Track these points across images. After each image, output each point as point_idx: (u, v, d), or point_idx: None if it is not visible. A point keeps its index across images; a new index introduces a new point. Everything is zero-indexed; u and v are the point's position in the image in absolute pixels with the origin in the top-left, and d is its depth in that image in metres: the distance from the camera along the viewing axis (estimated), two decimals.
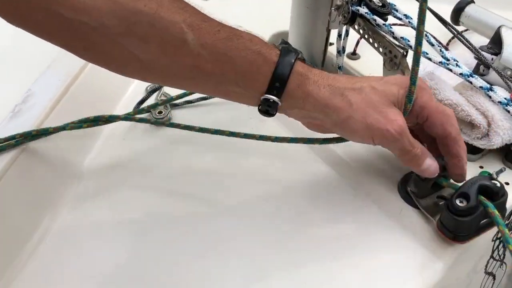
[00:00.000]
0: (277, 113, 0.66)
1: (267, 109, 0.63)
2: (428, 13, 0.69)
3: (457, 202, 0.63)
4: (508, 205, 0.74)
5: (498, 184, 0.64)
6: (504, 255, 0.82)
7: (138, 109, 0.90)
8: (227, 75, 0.62)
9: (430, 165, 0.66)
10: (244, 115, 0.88)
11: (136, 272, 0.68)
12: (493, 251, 0.78)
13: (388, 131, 0.61)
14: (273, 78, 0.62)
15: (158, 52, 0.60)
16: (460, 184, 0.66)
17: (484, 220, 0.65)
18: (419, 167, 0.66)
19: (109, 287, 0.66)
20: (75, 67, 0.91)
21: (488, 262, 0.79)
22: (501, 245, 0.79)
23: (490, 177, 0.65)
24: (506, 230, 0.61)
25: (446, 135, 0.66)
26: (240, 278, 0.67)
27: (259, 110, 0.64)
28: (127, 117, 0.87)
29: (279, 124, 0.88)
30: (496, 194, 0.63)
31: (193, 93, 0.92)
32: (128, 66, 0.62)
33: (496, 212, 0.62)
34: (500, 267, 0.84)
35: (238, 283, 0.66)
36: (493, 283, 0.87)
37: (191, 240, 0.71)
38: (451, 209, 0.63)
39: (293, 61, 0.62)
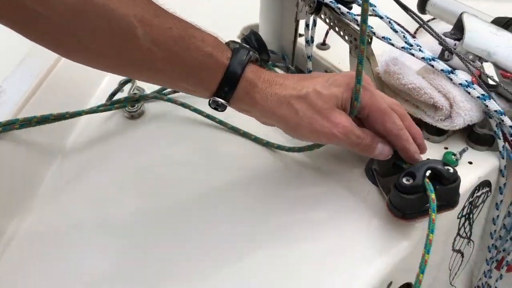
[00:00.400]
0: None
1: (216, 108, 0.66)
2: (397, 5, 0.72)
3: (404, 180, 0.65)
4: (470, 185, 0.77)
5: (451, 170, 0.65)
6: (471, 232, 0.85)
7: (110, 102, 0.91)
8: (177, 73, 0.63)
9: (382, 149, 0.69)
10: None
11: (111, 263, 0.68)
12: (459, 229, 0.81)
13: (333, 134, 0.65)
14: (222, 83, 0.63)
15: (107, 44, 0.59)
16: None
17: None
18: (373, 154, 0.69)
19: (86, 280, 0.67)
20: (47, 62, 0.91)
21: (455, 239, 0.82)
22: (467, 222, 0.82)
23: (444, 162, 0.67)
24: (433, 216, 0.62)
25: (387, 132, 0.68)
26: (213, 262, 0.68)
27: (209, 105, 0.67)
28: (93, 111, 0.87)
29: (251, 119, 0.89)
30: (445, 179, 0.65)
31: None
32: (75, 53, 0.61)
33: (433, 196, 0.63)
34: (467, 244, 0.87)
35: (212, 267, 0.67)
36: (462, 260, 0.90)
37: (166, 230, 0.72)
38: (397, 186, 0.65)
39: (244, 64, 0.63)
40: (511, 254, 0.88)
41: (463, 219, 0.80)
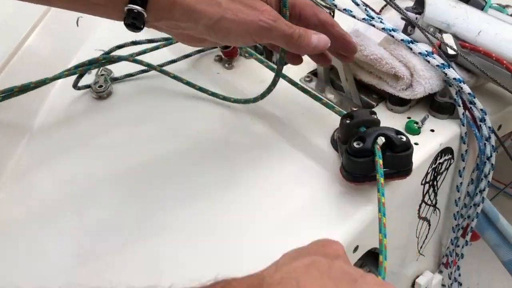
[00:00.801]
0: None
1: (133, 22, 0.58)
2: None
3: (354, 144, 0.67)
4: (432, 151, 0.79)
5: (403, 139, 0.67)
6: (436, 200, 0.88)
7: (74, 66, 0.90)
8: None
9: (318, 38, 0.66)
10: (185, 87, 0.91)
11: (79, 243, 0.69)
12: (423, 195, 0.83)
13: (262, 21, 0.61)
14: None
15: None
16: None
17: (387, 169, 0.67)
18: (310, 46, 0.66)
19: (54, 260, 0.67)
20: (18, 37, 0.91)
21: (420, 206, 0.85)
22: (431, 189, 0.84)
23: (398, 131, 0.68)
24: (382, 180, 0.64)
25: (322, 22, 0.69)
26: (179, 229, 0.69)
27: (125, 25, 0.59)
28: (57, 77, 0.86)
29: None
30: (397, 147, 0.66)
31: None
32: None
33: (380, 161, 0.65)
34: (433, 212, 0.90)
35: (177, 234, 0.68)
36: (429, 229, 0.92)
37: (134, 204, 0.73)
38: (348, 150, 0.67)
39: None
40: (475, 220, 0.91)
41: (427, 185, 0.82)
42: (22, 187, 0.76)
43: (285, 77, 0.85)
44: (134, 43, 0.94)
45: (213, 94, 0.88)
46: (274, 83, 0.81)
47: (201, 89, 0.89)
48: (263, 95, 0.83)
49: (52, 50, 0.91)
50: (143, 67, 0.94)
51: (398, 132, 0.68)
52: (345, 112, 0.77)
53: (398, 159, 0.67)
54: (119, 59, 0.92)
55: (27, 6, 0.98)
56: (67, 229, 0.70)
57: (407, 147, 0.67)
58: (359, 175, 0.68)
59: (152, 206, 0.73)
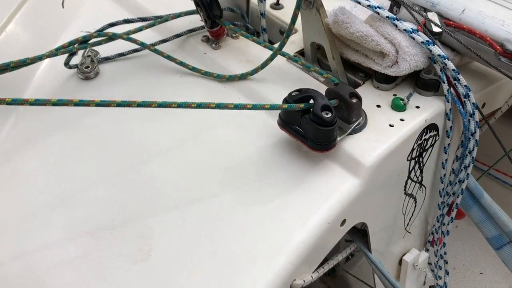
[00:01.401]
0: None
1: None
2: None
3: (294, 92, 0.72)
4: (417, 127, 0.80)
5: (328, 116, 0.69)
6: (422, 177, 0.89)
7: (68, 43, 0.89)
8: None
9: None
10: (173, 67, 0.91)
11: (65, 219, 0.69)
12: (409, 171, 0.84)
13: None
14: None
15: None
16: None
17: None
18: None
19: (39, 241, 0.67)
20: (0, 19, 0.90)
21: (406, 182, 0.86)
22: (417, 166, 0.85)
23: (329, 106, 0.70)
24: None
25: None
26: (169, 208, 0.69)
27: None
28: (53, 54, 0.85)
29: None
30: (315, 116, 0.69)
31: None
32: None
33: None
34: (419, 189, 0.91)
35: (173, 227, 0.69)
36: (415, 206, 0.94)
37: (120, 183, 0.73)
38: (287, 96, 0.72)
39: None
40: (460, 197, 0.92)
41: (413, 162, 0.83)
42: (8, 168, 0.76)
43: (285, 54, 0.87)
44: (127, 21, 0.93)
45: (206, 73, 0.88)
46: (272, 58, 0.83)
47: (194, 69, 0.89)
48: (256, 70, 0.84)
49: (37, 31, 0.91)
50: (135, 46, 0.93)
51: (327, 108, 0.69)
52: (337, 80, 0.80)
53: (314, 129, 0.69)
54: (113, 36, 0.90)
55: None
56: (53, 210, 0.70)
57: (327, 124, 0.69)
58: (282, 120, 0.74)
59: (140, 185, 0.73)
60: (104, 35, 0.89)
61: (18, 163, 0.77)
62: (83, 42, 0.88)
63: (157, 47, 0.94)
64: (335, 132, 0.71)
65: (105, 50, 0.94)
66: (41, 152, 0.79)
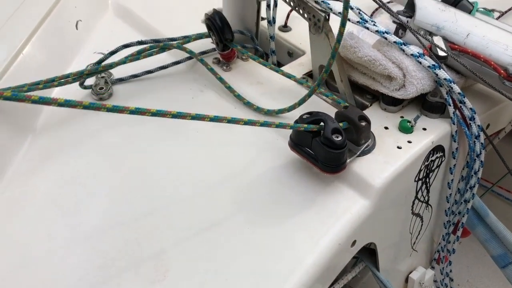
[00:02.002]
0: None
1: None
2: None
3: (304, 115, 0.74)
4: (424, 149, 0.82)
5: (339, 139, 0.71)
6: (429, 197, 0.91)
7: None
8: None
9: None
10: (185, 88, 0.93)
11: (80, 234, 0.71)
12: (417, 192, 0.86)
13: None
14: None
15: None
16: None
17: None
18: None
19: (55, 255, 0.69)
20: (18, 41, 0.92)
21: (413, 203, 0.87)
22: (424, 186, 0.87)
23: (339, 129, 0.72)
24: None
25: None
26: (183, 228, 0.71)
27: None
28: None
29: (218, 96, 0.93)
30: (325, 139, 0.71)
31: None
32: None
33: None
34: (426, 208, 0.93)
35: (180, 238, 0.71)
36: (421, 225, 0.95)
37: (133, 202, 0.75)
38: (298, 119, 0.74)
39: None
40: (466, 216, 0.94)
41: (420, 182, 0.85)
42: (26, 187, 0.77)
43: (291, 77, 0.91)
44: (140, 43, 0.96)
45: (248, 103, 0.89)
46: (310, 94, 0.84)
47: (248, 103, 0.90)
48: (293, 107, 0.85)
49: (52, 53, 0.93)
50: (148, 68, 0.96)
51: (338, 131, 0.71)
52: (343, 101, 0.83)
53: (324, 152, 0.71)
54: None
55: (28, 9, 1.02)
56: (69, 230, 0.71)
57: (337, 147, 0.71)
58: (293, 142, 0.76)
59: (154, 204, 0.75)
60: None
61: (35, 182, 0.79)
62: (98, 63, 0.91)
63: (170, 69, 0.96)
64: (345, 155, 0.73)
65: (118, 71, 0.96)
66: (56, 171, 0.81)
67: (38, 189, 0.77)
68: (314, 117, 0.74)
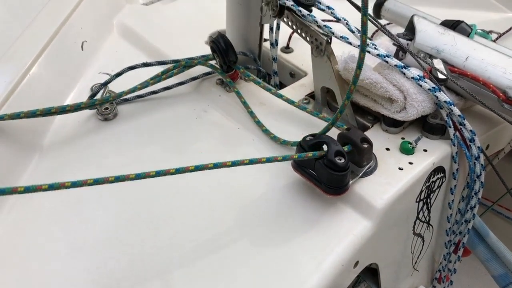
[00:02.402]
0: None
1: None
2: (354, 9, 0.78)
3: (308, 137, 0.76)
4: (425, 170, 0.83)
5: (342, 161, 0.72)
6: (430, 217, 0.92)
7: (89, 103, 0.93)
8: None
9: None
10: (189, 109, 0.95)
11: (86, 255, 0.71)
12: (418, 212, 0.87)
13: None
14: None
15: None
16: None
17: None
18: None
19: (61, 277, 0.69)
20: (25, 61, 0.94)
21: (415, 223, 0.88)
22: (425, 206, 0.88)
23: (342, 152, 0.73)
24: None
25: None
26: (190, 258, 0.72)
27: None
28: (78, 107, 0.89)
29: (221, 117, 0.94)
30: (328, 161, 0.72)
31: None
32: None
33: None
34: (427, 229, 0.94)
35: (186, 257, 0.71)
36: (423, 245, 0.96)
37: (137, 224, 0.76)
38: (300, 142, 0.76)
39: None
40: (467, 236, 0.95)
41: (421, 203, 0.86)
42: (32, 207, 0.78)
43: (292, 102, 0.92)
44: (145, 64, 0.97)
45: (266, 131, 0.89)
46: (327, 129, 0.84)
47: (266, 131, 0.90)
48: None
49: (58, 73, 0.95)
50: (152, 88, 0.97)
51: (341, 153, 0.72)
52: (343, 125, 0.84)
53: (327, 174, 0.72)
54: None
55: (35, 30, 1.03)
56: (75, 249, 0.72)
57: (340, 169, 0.72)
58: (296, 163, 0.77)
59: (158, 225, 0.75)
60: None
61: (40, 202, 0.79)
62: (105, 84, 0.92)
63: (174, 89, 0.98)
64: (348, 177, 0.74)
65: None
66: (61, 191, 0.81)
67: (43, 210, 0.78)
68: (317, 140, 0.75)
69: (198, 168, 0.65)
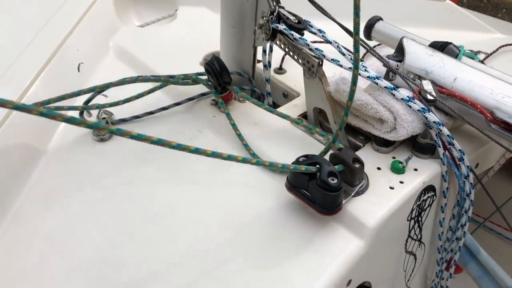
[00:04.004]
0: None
1: None
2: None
3: (301, 158, 0.77)
4: (416, 189, 0.84)
5: (334, 182, 0.73)
6: (421, 235, 0.93)
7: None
8: None
9: None
10: (184, 129, 0.96)
11: (79, 277, 0.72)
12: (409, 231, 0.88)
13: None
14: None
15: None
16: None
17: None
18: None
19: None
20: (23, 83, 0.96)
21: (407, 241, 0.90)
22: (417, 225, 0.89)
23: (335, 172, 0.75)
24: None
25: None
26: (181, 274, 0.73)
27: None
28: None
29: (215, 137, 0.96)
30: (321, 182, 0.74)
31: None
32: None
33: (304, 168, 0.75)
34: (419, 246, 0.95)
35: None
36: (415, 262, 0.97)
37: (134, 244, 0.77)
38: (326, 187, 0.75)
39: None
40: (458, 254, 0.96)
41: (412, 221, 0.87)
42: (26, 230, 0.79)
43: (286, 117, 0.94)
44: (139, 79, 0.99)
45: (254, 155, 0.91)
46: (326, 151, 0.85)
47: (246, 145, 0.92)
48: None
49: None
50: (149, 109, 0.99)
51: (333, 174, 0.74)
52: (339, 144, 0.85)
53: (321, 194, 0.74)
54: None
55: (31, 52, 1.05)
56: (71, 270, 0.73)
57: (333, 189, 0.73)
58: (289, 183, 0.78)
59: (153, 245, 0.76)
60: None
61: (36, 224, 0.80)
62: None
63: (170, 110, 1.00)
64: (341, 197, 0.76)
65: (119, 112, 0.99)
66: (57, 213, 0.82)
67: (40, 230, 0.79)
68: (310, 160, 0.77)
69: (214, 154, 0.68)
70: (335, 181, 0.73)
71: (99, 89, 0.95)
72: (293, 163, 0.78)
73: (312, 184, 0.75)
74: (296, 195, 0.78)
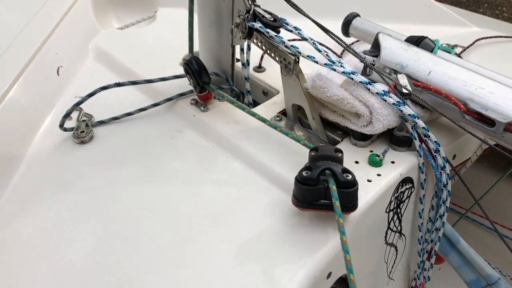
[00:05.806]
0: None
1: None
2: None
3: (303, 172, 0.75)
4: (393, 181, 0.86)
5: (349, 177, 0.74)
6: (401, 226, 0.94)
7: (62, 125, 0.95)
8: None
9: None
10: (164, 129, 0.97)
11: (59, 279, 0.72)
12: (389, 222, 0.90)
13: None
14: None
15: None
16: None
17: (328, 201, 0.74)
18: None
19: None
20: (1, 88, 0.96)
21: (386, 233, 0.91)
22: (396, 216, 0.91)
23: (346, 169, 0.75)
24: (341, 220, 0.71)
25: None
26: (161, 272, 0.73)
27: None
28: None
29: (196, 136, 0.96)
30: (340, 182, 0.73)
31: None
32: None
33: (338, 203, 0.72)
34: (399, 238, 0.96)
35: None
36: (396, 254, 0.99)
37: (113, 246, 0.77)
38: (297, 177, 0.75)
39: None
40: (438, 244, 0.98)
41: (391, 213, 0.89)
42: (7, 235, 0.79)
43: (265, 121, 0.93)
44: (118, 84, 1.00)
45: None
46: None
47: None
48: None
49: (35, 99, 0.96)
50: (128, 110, 0.99)
51: (345, 170, 0.75)
52: (312, 145, 0.84)
53: (345, 195, 0.74)
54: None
55: (10, 56, 1.05)
56: (56, 273, 0.73)
57: (352, 186, 0.74)
58: (303, 202, 0.75)
59: (134, 246, 0.77)
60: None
61: (17, 226, 0.80)
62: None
63: (149, 110, 1.00)
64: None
65: (99, 113, 1.00)
66: (38, 215, 0.82)
67: (20, 234, 0.79)
68: (318, 169, 0.75)
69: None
70: (350, 176, 0.74)
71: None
72: (297, 178, 0.76)
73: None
74: (309, 209, 0.77)
